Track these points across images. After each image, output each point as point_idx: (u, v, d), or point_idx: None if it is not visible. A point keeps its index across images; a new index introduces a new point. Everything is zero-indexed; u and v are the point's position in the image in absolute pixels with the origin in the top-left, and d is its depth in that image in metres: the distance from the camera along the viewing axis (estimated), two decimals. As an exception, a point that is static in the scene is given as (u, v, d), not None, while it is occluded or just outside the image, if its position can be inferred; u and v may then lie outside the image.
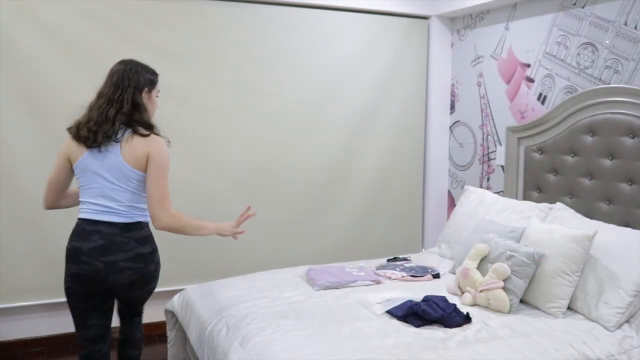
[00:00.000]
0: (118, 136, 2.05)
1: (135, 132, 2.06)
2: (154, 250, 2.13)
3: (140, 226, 2.09)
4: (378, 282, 2.78)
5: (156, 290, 3.37)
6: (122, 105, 2.05)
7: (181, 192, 3.44)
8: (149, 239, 2.11)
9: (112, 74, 2.11)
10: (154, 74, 2.19)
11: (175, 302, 2.78)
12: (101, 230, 2.02)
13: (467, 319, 2.24)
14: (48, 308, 3.30)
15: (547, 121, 3.17)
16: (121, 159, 2.03)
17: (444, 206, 4.26)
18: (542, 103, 3.36)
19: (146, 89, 2.14)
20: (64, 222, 3.18)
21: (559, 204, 2.89)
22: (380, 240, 4.05)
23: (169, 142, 2.13)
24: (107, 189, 2.04)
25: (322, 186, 3.85)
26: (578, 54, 3.12)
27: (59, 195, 2.20)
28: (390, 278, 2.84)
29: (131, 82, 2.09)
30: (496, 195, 3.28)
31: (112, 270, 2.01)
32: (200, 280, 3.19)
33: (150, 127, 2.11)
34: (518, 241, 2.60)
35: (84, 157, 2.06)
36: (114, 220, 2.03)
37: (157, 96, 2.22)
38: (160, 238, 3.41)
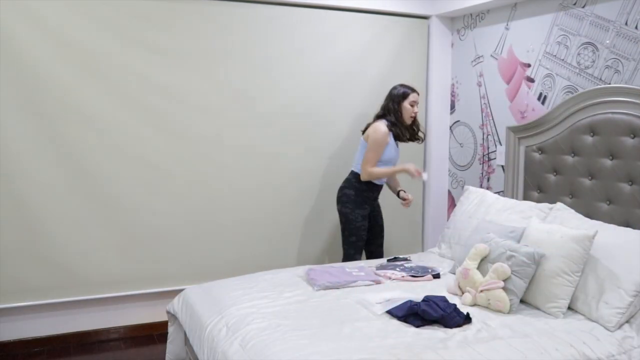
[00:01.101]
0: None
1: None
2: (345, 194, 3.43)
3: (352, 174, 3.44)
4: (378, 282, 2.78)
5: (156, 290, 3.47)
6: (383, 108, 3.45)
7: (182, 191, 3.45)
8: (348, 183, 3.44)
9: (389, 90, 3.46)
10: (405, 92, 3.36)
11: (176, 303, 2.78)
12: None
13: (467, 319, 2.24)
14: (48, 308, 3.30)
15: (548, 121, 3.17)
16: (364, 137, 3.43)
17: (444, 206, 4.25)
18: (543, 103, 3.36)
19: (399, 99, 3.36)
20: (64, 223, 3.20)
21: (559, 204, 2.89)
22: (380, 240, 4.05)
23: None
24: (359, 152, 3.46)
25: (323, 186, 3.85)
26: (578, 54, 3.12)
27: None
28: (390, 278, 2.84)
29: (391, 95, 3.41)
30: (496, 195, 3.28)
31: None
32: (200, 280, 3.18)
33: (391, 123, 3.37)
34: (518, 241, 2.60)
35: None
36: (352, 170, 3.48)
37: (410, 105, 3.35)
38: (162, 239, 3.43)
